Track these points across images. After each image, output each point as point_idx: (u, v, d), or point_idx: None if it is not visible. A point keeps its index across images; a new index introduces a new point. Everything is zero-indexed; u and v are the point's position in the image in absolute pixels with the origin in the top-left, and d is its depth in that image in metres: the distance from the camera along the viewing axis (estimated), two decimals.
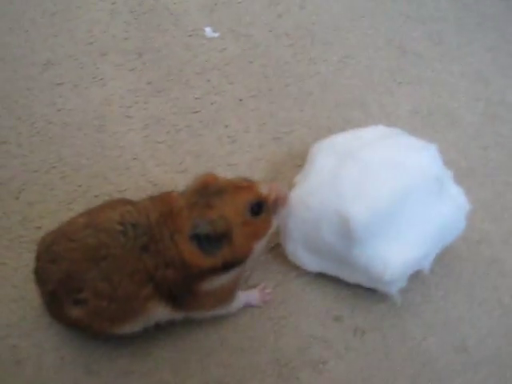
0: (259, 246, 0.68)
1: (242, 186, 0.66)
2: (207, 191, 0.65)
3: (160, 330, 0.73)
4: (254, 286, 0.78)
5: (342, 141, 0.73)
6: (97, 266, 0.63)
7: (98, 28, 1.08)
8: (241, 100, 0.96)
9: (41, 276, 0.68)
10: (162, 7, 1.10)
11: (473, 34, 1.05)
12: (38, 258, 0.68)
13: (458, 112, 0.93)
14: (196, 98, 0.97)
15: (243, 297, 0.76)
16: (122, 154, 0.91)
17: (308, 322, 0.76)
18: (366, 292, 0.77)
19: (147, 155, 0.91)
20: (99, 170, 0.90)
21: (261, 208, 0.66)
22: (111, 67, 1.02)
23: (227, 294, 0.71)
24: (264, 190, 0.67)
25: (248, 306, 0.77)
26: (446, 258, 0.80)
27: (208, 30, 1.05)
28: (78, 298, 0.64)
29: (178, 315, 0.70)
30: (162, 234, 0.63)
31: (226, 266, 0.65)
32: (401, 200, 0.66)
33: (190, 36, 1.05)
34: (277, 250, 0.81)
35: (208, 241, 0.63)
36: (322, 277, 0.78)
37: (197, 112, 0.95)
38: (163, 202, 0.66)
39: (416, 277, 0.78)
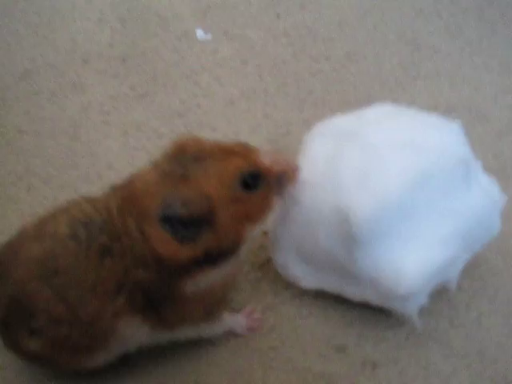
0: (254, 232, 0.52)
1: (232, 150, 0.51)
2: (185, 157, 0.50)
3: (126, 364, 0.60)
4: (239, 310, 0.64)
5: (341, 122, 0.59)
6: (47, 285, 0.49)
7: (83, 37, 1.00)
8: (232, 102, 0.85)
9: None
10: (152, 13, 1.02)
11: (495, 25, 0.93)
12: None
13: (482, 106, 0.80)
14: (182, 102, 0.86)
15: (228, 319, 0.61)
16: (96, 163, 0.81)
17: (304, 354, 0.61)
18: (376, 315, 0.62)
19: (124, 163, 0.80)
20: (69, 181, 0.79)
21: (257, 181, 0.51)
22: (93, 74, 0.93)
23: (216, 301, 0.56)
24: (265, 158, 0.51)
25: (231, 333, 0.62)
26: (476, 271, 0.64)
27: (199, 32, 0.96)
28: (32, 326, 0.50)
29: (158, 337, 0.55)
30: (125, 224, 0.49)
31: (211, 258, 0.50)
32: (417, 188, 0.51)
33: (180, 39, 0.96)
34: (268, 266, 0.66)
35: (183, 225, 0.47)
36: (321, 297, 0.63)
37: (182, 116, 0.84)
38: (126, 185, 0.52)
39: (440, 296, 0.62)
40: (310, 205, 0.56)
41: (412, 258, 0.52)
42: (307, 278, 0.60)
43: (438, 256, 0.53)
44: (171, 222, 0.48)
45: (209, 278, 0.52)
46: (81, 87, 0.91)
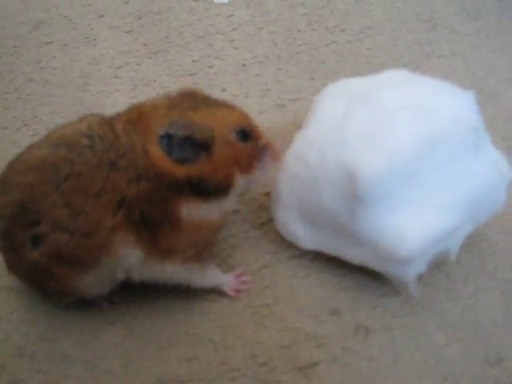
0: (240, 181, 0.56)
1: (236, 107, 0.58)
2: (195, 98, 0.56)
3: (115, 308, 0.60)
4: (234, 267, 0.63)
5: (355, 83, 0.58)
6: (57, 189, 0.51)
7: None
8: (244, 65, 0.84)
9: None
10: None
11: None
12: None
13: (495, 88, 0.79)
14: (194, 61, 0.86)
15: (218, 274, 0.61)
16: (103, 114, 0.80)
17: (297, 314, 0.60)
18: (372, 282, 0.61)
19: None
20: None
21: (250, 137, 0.56)
22: (106, 29, 0.93)
23: (205, 242, 0.57)
24: (258, 127, 0.58)
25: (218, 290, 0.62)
26: (477, 248, 0.64)
27: None
28: (36, 232, 0.52)
29: (151, 265, 0.56)
30: (131, 141, 0.52)
31: (204, 189, 0.53)
32: (426, 152, 0.51)
33: (196, 1, 0.95)
34: (268, 225, 0.66)
35: (181, 146, 0.52)
36: (318, 260, 0.63)
37: (192, 75, 0.84)
38: (132, 109, 0.56)
39: (439, 268, 0.62)
40: (315, 162, 0.55)
41: (414, 223, 0.52)
42: (307, 238, 0.60)
43: (441, 223, 0.52)
44: (170, 141, 0.52)
45: (201, 211, 0.54)
46: (93, 40, 0.91)
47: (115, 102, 0.81)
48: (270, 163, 0.58)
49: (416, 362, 0.57)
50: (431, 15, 0.90)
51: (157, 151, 0.52)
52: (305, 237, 0.60)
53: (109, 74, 0.86)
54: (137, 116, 0.54)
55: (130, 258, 0.54)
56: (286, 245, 0.64)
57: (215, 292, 0.62)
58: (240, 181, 0.56)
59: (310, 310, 0.61)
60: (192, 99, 0.55)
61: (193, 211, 0.54)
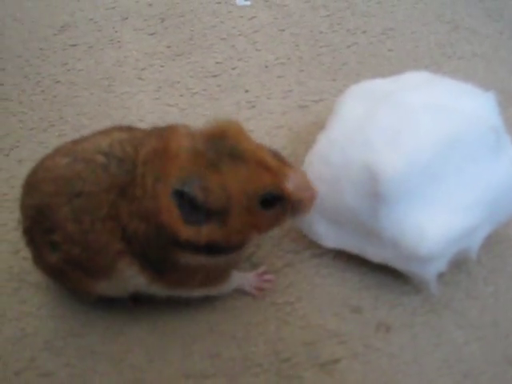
0: (259, 237, 0.55)
1: (266, 165, 0.50)
2: (223, 145, 0.49)
3: (139, 306, 0.62)
4: (257, 266, 0.65)
5: (377, 84, 0.59)
6: (69, 203, 0.51)
7: None
8: (266, 67, 0.86)
9: (21, 210, 0.57)
10: None
11: None
12: (22, 190, 0.58)
13: None
14: (217, 63, 0.87)
15: (236, 277, 0.61)
16: (127, 115, 0.82)
17: (319, 312, 0.61)
18: (393, 280, 0.62)
19: (155, 117, 0.81)
20: None
21: (274, 202, 0.51)
22: (130, 31, 0.95)
23: (216, 274, 0.57)
24: (290, 184, 0.51)
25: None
26: (498, 248, 0.64)
27: None
28: (52, 239, 0.53)
29: (159, 289, 0.56)
30: (145, 175, 0.49)
31: (211, 249, 0.51)
32: (447, 151, 0.52)
33: (219, 3, 0.96)
34: (291, 224, 0.67)
35: (193, 207, 0.48)
36: (341, 259, 0.64)
37: (216, 76, 0.85)
38: (162, 135, 0.52)
39: (459, 268, 0.63)
40: (338, 162, 0.56)
41: (435, 221, 0.53)
42: (329, 237, 0.60)
43: (461, 222, 0.53)
44: (183, 198, 0.48)
45: (205, 261, 0.53)
46: (118, 43, 0.93)
47: (139, 103, 0.83)
48: (300, 215, 0.55)
49: (436, 359, 0.58)
50: (452, 17, 0.91)
51: (166, 200, 0.48)
52: (327, 235, 0.61)
53: (133, 76, 0.87)
54: (162, 149, 0.50)
55: (137, 280, 0.54)
56: (308, 243, 0.65)
57: (238, 290, 0.63)
58: (256, 238, 0.54)
59: (331, 308, 0.62)
60: (219, 147, 0.49)
61: (195, 261, 0.52)
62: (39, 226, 0.54)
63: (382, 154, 0.52)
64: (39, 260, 0.57)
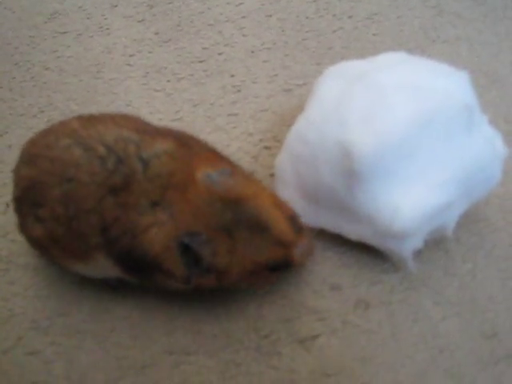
0: None
1: (281, 239, 0.51)
2: (241, 211, 0.49)
3: (123, 285, 0.62)
4: None
5: (354, 65, 0.60)
6: (60, 186, 0.52)
7: None
8: (252, 52, 0.86)
9: (15, 176, 0.58)
10: None
11: None
12: (20, 155, 0.58)
13: (500, 72, 0.79)
14: (203, 48, 0.88)
15: None
16: (115, 101, 0.83)
17: (298, 289, 0.62)
18: (372, 259, 0.63)
19: (142, 102, 0.82)
20: None
21: (279, 268, 0.54)
22: (119, 18, 0.95)
23: None
24: (298, 252, 0.53)
25: None
26: (476, 227, 0.65)
27: None
28: (38, 214, 0.53)
29: (134, 280, 0.57)
30: (147, 193, 0.49)
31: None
32: (420, 129, 0.52)
33: None
34: None
35: (195, 260, 0.49)
36: (321, 238, 0.64)
37: (202, 61, 0.86)
38: (183, 161, 0.51)
39: (437, 246, 0.64)
40: (315, 141, 0.57)
41: (409, 198, 0.53)
42: (309, 215, 0.61)
43: (436, 199, 0.54)
44: (187, 251, 0.49)
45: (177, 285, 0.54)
46: (107, 30, 0.93)
47: (127, 88, 0.84)
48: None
49: (413, 335, 0.59)
50: (437, 1, 0.91)
51: (166, 238, 0.49)
52: (306, 215, 0.61)
53: (121, 62, 0.88)
54: (180, 183, 0.50)
55: (112, 271, 0.55)
56: None
57: None
58: None
59: (311, 286, 0.63)
60: (237, 213, 0.49)
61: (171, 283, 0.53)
62: (29, 198, 0.54)
63: (356, 133, 0.53)
64: (23, 229, 0.57)
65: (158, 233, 0.49)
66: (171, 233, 0.49)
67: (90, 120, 0.56)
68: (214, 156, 0.55)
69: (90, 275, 0.60)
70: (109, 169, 0.51)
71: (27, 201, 0.55)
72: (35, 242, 0.57)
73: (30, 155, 0.56)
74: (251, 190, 0.51)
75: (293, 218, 0.54)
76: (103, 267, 0.55)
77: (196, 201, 0.49)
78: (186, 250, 0.49)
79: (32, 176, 0.54)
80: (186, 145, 0.53)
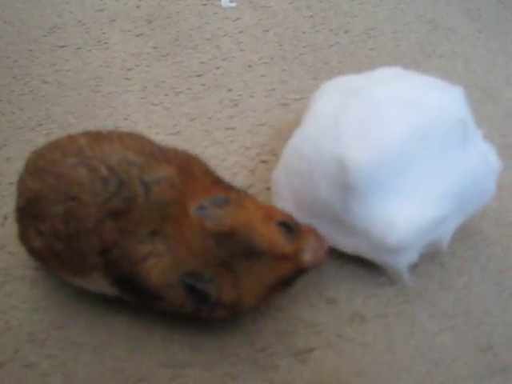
0: None
1: (282, 253, 0.50)
2: (234, 243, 0.49)
3: (120, 299, 0.62)
4: None
5: (350, 80, 0.61)
6: (64, 203, 0.52)
7: None
8: (250, 66, 0.87)
9: (19, 186, 0.57)
10: None
11: None
12: (25, 166, 0.58)
13: (494, 87, 0.81)
14: (201, 63, 0.89)
15: None
16: (113, 114, 0.84)
17: (294, 303, 0.62)
18: (369, 272, 0.63)
19: (140, 116, 0.83)
20: (86, 129, 0.78)
21: (295, 279, 0.53)
22: (118, 32, 0.96)
23: None
24: (307, 255, 0.52)
25: None
26: (471, 240, 0.65)
27: (224, 0, 0.98)
28: (39, 228, 0.53)
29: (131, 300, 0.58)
30: (147, 219, 0.49)
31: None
32: (415, 144, 0.53)
33: (205, 5, 0.98)
34: None
35: (202, 297, 0.50)
36: None
37: (200, 76, 0.87)
38: (185, 191, 0.50)
39: (433, 259, 0.64)
40: (311, 155, 0.57)
41: (405, 212, 0.54)
42: None
43: (431, 212, 0.54)
44: (192, 289, 0.49)
45: None
46: (105, 44, 0.94)
47: (125, 102, 0.85)
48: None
49: (409, 348, 0.59)
50: (433, 16, 0.92)
51: (170, 282, 0.49)
52: None
53: (119, 76, 0.89)
54: (179, 214, 0.49)
55: (109, 290, 0.56)
56: None
57: None
58: None
59: (307, 299, 0.63)
60: (231, 247, 0.49)
61: None
62: (31, 210, 0.54)
63: (351, 147, 0.54)
64: (24, 239, 0.58)
65: (157, 263, 0.49)
66: (170, 267, 0.49)
67: (96, 138, 0.55)
68: (212, 182, 0.54)
69: (88, 289, 0.60)
70: (110, 191, 0.50)
71: (29, 213, 0.55)
72: (35, 253, 0.57)
73: (36, 168, 0.56)
74: (242, 218, 0.50)
75: (287, 223, 0.53)
76: (101, 285, 0.55)
77: (190, 237, 0.49)
78: (191, 289, 0.49)
79: (36, 189, 0.54)
80: (187, 171, 0.53)
